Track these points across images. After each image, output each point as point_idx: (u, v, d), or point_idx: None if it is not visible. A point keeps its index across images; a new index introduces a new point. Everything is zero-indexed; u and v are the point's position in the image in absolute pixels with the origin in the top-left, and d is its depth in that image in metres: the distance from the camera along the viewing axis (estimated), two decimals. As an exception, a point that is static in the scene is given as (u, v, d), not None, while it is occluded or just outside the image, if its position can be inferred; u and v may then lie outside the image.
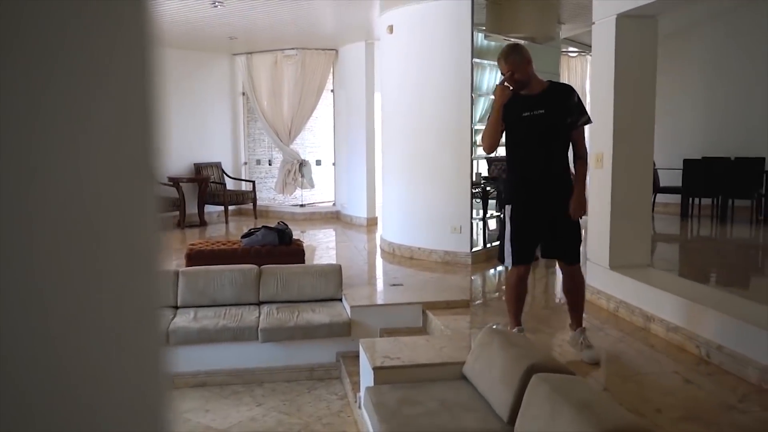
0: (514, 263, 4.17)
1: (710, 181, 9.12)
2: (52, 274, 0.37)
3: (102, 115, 0.38)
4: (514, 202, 4.18)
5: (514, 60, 3.94)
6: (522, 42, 4.16)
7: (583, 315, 4.32)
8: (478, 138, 7.83)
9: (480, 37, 7.19)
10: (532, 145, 4.01)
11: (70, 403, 0.38)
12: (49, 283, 0.37)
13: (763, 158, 9.29)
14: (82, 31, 0.37)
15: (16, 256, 0.35)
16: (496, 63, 7.73)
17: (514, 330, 4.23)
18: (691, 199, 9.53)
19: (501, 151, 8.45)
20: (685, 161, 9.28)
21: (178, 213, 10.06)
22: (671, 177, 9.43)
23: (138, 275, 0.41)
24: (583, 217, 4.04)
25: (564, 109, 3.94)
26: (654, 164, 6.02)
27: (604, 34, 5.22)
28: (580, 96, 4.13)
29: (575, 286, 4.22)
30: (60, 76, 0.36)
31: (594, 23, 5.48)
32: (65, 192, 0.37)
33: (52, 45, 0.36)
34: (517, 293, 4.27)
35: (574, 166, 4.03)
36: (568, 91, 4.01)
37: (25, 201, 0.36)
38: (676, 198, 9.55)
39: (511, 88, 3.98)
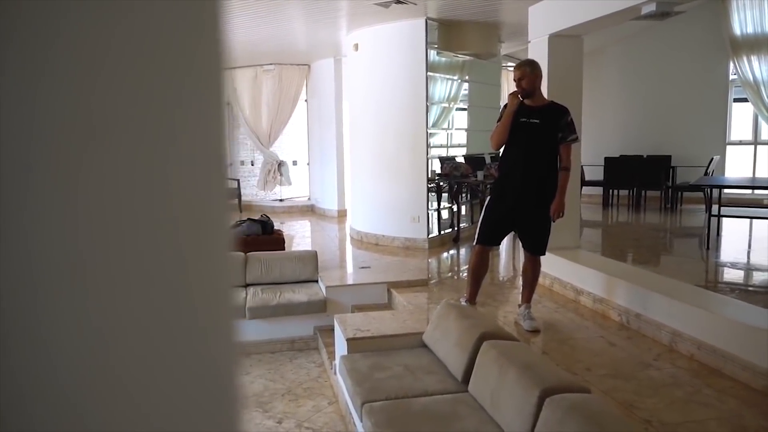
0: (477, 242, 4.25)
1: (627, 175, 9.30)
2: (139, 259, 0.38)
3: (190, 122, 0.40)
4: (493, 194, 4.25)
5: (525, 70, 3.99)
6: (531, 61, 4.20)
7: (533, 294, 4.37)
8: (433, 140, 7.86)
9: (433, 54, 7.19)
10: (521, 148, 4.03)
11: (159, 372, 0.39)
12: (137, 268, 0.38)
13: (670, 156, 9.53)
14: (172, 47, 0.39)
15: (112, 243, 0.36)
16: (446, 76, 7.79)
17: (466, 303, 4.26)
18: (611, 191, 9.71)
19: (453, 152, 8.53)
20: (606, 159, 9.45)
21: (172, 208, 9.89)
22: (595, 172, 9.60)
23: (214, 257, 0.42)
24: (560, 218, 4.08)
25: (556, 125, 3.96)
26: (581, 161, 6.10)
27: (538, 50, 5.27)
28: None
29: (533, 272, 4.27)
30: (155, 85, 0.38)
31: (530, 41, 5.53)
32: (159, 188, 0.38)
33: (145, 53, 0.37)
34: (475, 269, 4.31)
35: (559, 176, 4.02)
36: (563, 112, 4.01)
37: (124, 197, 0.37)
38: (598, 190, 9.72)
39: (521, 98, 3.99)
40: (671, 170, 9.40)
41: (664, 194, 9.27)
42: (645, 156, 9.64)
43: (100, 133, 0.35)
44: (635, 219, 9.05)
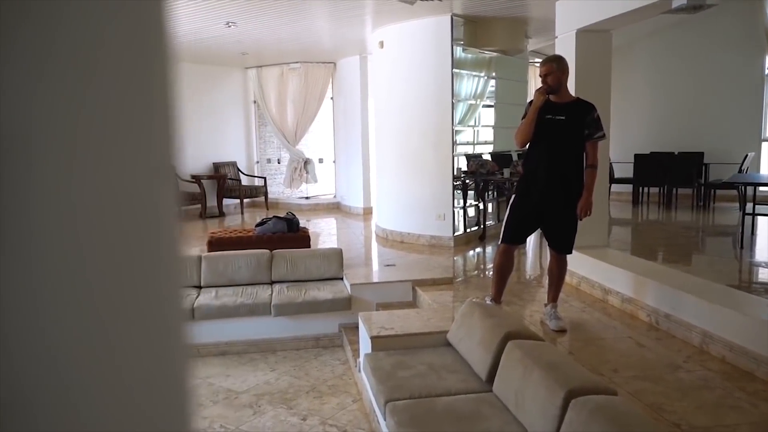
0: (502, 240, 4.21)
1: (657, 172, 9.13)
2: (83, 263, 0.37)
3: (129, 117, 0.39)
4: (518, 192, 4.18)
5: (551, 66, 3.93)
6: (561, 56, 4.13)
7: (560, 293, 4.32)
8: (459, 137, 7.82)
9: (459, 50, 7.15)
10: (546, 145, 3.96)
11: (101, 378, 0.38)
12: (80, 271, 0.37)
13: (702, 153, 9.32)
14: (112, 37, 0.37)
15: (54, 250, 0.35)
16: (473, 73, 7.74)
17: (491, 302, 4.23)
18: (641, 189, 9.55)
19: (479, 149, 8.48)
20: (636, 156, 9.28)
21: (200, 206, 10.01)
22: (624, 169, 9.44)
23: (162, 260, 0.42)
24: (587, 216, 4.01)
25: (582, 122, 3.89)
26: (609, 159, 6.01)
27: (565, 46, 5.20)
28: None
29: (559, 271, 4.21)
30: (90, 80, 0.36)
31: (557, 37, 5.46)
32: (94, 189, 0.37)
33: (81, 48, 0.36)
34: (500, 268, 4.27)
35: (585, 174, 3.96)
36: (589, 108, 3.93)
37: (62, 197, 0.36)
38: (628, 188, 9.56)
39: (547, 95, 3.94)
40: (704, 167, 9.20)
41: (696, 192, 9.08)
42: (676, 153, 9.45)
43: (36, 134, 0.34)
44: (666, 217, 8.87)
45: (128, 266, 0.39)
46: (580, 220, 4.03)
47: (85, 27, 0.36)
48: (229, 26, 7.18)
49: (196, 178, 10.04)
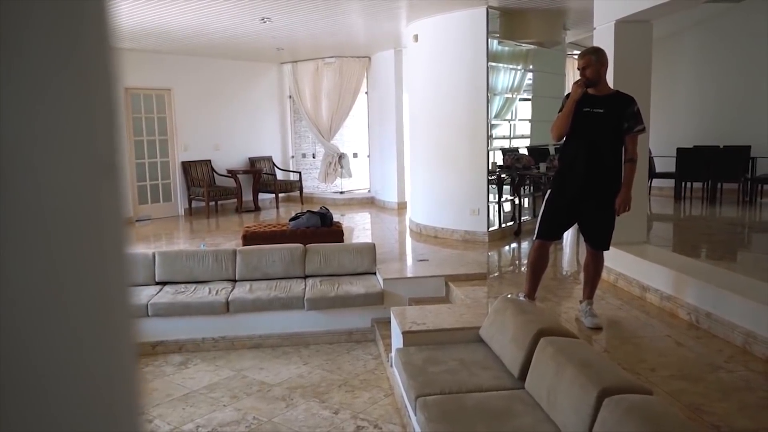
0: (537, 236, 4.17)
1: (701, 166, 8.88)
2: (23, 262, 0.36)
3: (67, 114, 0.38)
4: (554, 187, 4.12)
5: (590, 59, 3.86)
6: (599, 48, 4.05)
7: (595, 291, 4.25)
8: (495, 131, 7.75)
9: (494, 43, 7.07)
10: (584, 139, 3.89)
11: (44, 377, 0.38)
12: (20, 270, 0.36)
13: (749, 146, 9.01)
14: (47, 29, 0.36)
15: None
16: (509, 66, 7.65)
17: (524, 299, 4.19)
18: (683, 183, 9.30)
19: (516, 143, 8.39)
20: (679, 149, 9.03)
21: (236, 200, 10.16)
22: (665, 164, 9.21)
23: (105, 258, 0.41)
24: (626, 212, 3.94)
25: (622, 114, 3.82)
26: (650, 152, 5.87)
27: (604, 37, 5.09)
28: None
29: (596, 268, 4.14)
30: (25, 75, 0.35)
31: (595, 28, 5.35)
32: (31, 187, 0.36)
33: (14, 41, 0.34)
34: (534, 264, 4.22)
35: (624, 168, 3.88)
36: (629, 101, 3.85)
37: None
38: (670, 182, 9.32)
39: (585, 88, 3.87)
40: (750, 161, 8.90)
41: (742, 187, 8.79)
42: (721, 146, 9.16)
43: None
44: (710, 213, 8.63)
45: (69, 265, 0.39)
46: (618, 215, 3.95)
47: (16, 16, 0.34)
48: (264, 22, 7.25)
49: (232, 173, 10.19)
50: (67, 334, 0.38)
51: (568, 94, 3.98)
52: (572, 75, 10.23)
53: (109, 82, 0.40)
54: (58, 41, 0.36)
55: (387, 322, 4.60)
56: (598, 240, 4.05)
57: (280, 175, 11.21)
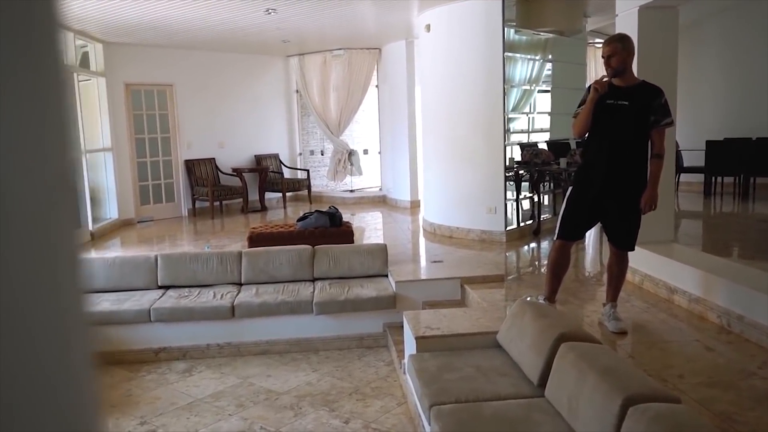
0: (558, 236, 4.14)
1: (732, 160, 8.78)
2: None
3: (18, 126, 0.39)
4: (575, 184, 4.09)
5: (615, 47, 3.79)
6: (627, 35, 4.00)
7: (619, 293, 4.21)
8: (513, 125, 7.72)
9: (511, 32, 7.05)
10: (608, 133, 3.84)
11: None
12: None
13: (784, 138, 8.91)
14: None
15: None
16: (527, 56, 7.62)
17: (544, 302, 4.17)
18: (713, 178, 9.21)
19: (534, 137, 8.35)
20: (708, 142, 8.95)
21: (241, 199, 10.22)
22: (694, 157, 9.12)
23: (59, 267, 0.43)
24: (652, 210, 3.90)
25: (648, 107, 3.76)
26: (677, 145, 5.82)
27: (627, 24, 5.05)
28: None
29: (620, 269, 4.11)
30: None
31: (617, 15, 5.32)
32: None
33: None
34: (555, 266, 4.20)
35: (650, 163, 3.83)
36: (657, 92, 3.79)
37: None
38: (699, 177, 9.24)
39: (607, 79, 3.82)
40: (786, 154, 8.80)
41: (776, 181, 8.69)
42: (754, 138, 9.06)
43: None
44: (742, 209, 8.54)
45: (23, 274, 0.40)
46: (644, 214, 3.91)
47: None
48: (269, 13, 7.28)
49: (238, 171, 10.25)
50: (20, 340, 0.39)
51: (591, 85, 3.94)
52: (594, 64, 10.18)
53: (61, 95, 0.41)
54: (6, 53, 0.37)
55: (400, 327, 4.59)
56: (622, 240, 4.02)
57: (287, 174, 11.26)
